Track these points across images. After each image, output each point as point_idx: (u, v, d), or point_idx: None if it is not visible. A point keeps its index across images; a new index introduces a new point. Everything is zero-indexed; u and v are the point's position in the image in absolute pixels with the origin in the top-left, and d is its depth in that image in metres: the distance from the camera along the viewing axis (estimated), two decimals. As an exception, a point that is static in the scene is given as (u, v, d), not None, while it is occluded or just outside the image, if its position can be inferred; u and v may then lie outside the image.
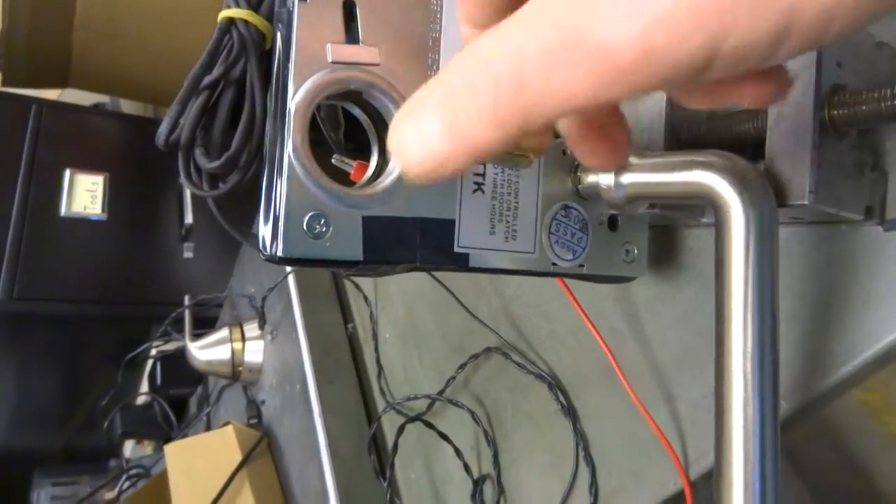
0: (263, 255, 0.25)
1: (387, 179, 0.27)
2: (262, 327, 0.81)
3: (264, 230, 0.25)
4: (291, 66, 0.25)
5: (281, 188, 0.25)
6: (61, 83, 1.49)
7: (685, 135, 0.31)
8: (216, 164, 0.25)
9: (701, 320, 0.35)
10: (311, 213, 0.25)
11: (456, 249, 0.28)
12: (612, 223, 0.33)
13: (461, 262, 0.29)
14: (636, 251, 0.34)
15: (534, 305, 0.46)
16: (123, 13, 1.31)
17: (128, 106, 1.80)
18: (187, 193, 1.29)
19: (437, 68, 0.28)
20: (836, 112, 0.25)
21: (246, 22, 0.27)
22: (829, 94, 0.25)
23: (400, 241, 0.27)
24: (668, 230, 0.37)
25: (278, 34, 0.26)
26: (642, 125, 0.32)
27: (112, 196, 1.26)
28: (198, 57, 0.27)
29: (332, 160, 0.35)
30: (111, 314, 1.22)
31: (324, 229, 0.25)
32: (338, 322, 0.71)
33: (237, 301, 0.92)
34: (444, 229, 0.28)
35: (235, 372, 0.81)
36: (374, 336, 0.66)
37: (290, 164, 0.25)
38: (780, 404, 0.31)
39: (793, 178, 0.25)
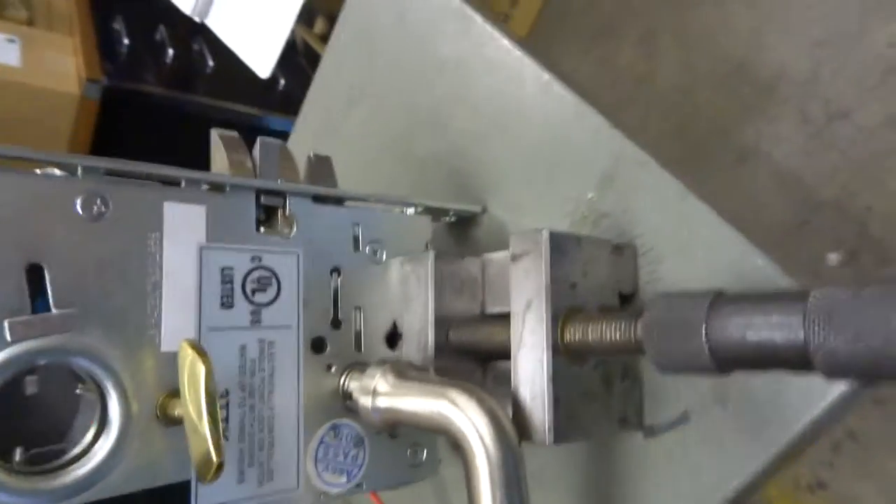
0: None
1: (86, 466, 0.23)
2: None
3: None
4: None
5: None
6: None
7: (454, 338, 0.30)
8: None
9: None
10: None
11: (195, 513, 0.25)
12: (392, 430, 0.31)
13: (203, 527, 0.25)
14: (425, 451, 0.32)
15: None
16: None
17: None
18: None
19: (159, 314, 0.25)
20: (570, 340, 0.25)
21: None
22: (564, 318, 0.25)
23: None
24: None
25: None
26: (414, 329, 0.30)
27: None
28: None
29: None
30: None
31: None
32: None
33: None
34: (177, 495, 0.25)
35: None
36: None
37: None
38: None
39: (533, 413, 0.24)
